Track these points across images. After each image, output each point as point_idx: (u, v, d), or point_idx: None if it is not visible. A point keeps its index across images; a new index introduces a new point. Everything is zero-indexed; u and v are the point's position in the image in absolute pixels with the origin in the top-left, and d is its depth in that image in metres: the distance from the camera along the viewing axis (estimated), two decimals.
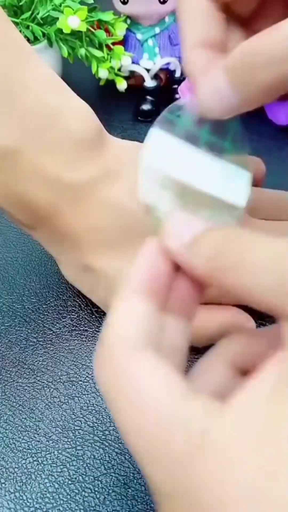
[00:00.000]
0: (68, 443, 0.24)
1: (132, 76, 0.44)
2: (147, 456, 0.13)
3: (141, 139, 0.28)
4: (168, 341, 0.17)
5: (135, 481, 0.23)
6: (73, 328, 0.28)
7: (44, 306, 0.30)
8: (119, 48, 0.41)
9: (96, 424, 0.25)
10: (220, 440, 0.12)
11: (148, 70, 0.43)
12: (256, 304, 0.14)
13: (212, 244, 0.16)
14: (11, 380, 0.26)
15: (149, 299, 0.16)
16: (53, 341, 0.28)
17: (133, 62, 0.43)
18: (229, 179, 0.21)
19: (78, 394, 0.26)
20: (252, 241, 0.15)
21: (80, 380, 0.26)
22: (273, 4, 0.22)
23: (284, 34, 0.17)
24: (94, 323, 0.29)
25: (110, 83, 0.43)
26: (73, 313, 0.29)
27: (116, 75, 0.42)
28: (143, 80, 0.43)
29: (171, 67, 0.43)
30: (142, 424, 0.13)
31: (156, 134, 0.20)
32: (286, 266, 0.13)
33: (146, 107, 0.43)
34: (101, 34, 0.40)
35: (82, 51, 0.40)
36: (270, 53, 0.18)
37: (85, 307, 0.29)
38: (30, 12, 0.40)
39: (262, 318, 0.28)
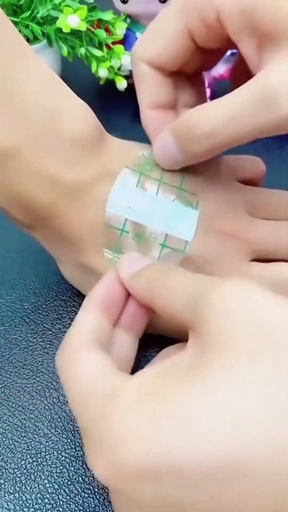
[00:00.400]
0: (68, 444, 0.24)
1: (132, 76, 0.44)
2: (80, 407, 0.18)
3: (141, 139, 0.28)
4: (117, 350, 0.22)
5: None
6: None
7: (44, 306, 0.30)
8: (119, 48, 0.41)
9: None
10: (124, 394, 0.17)
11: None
12: (176, 320, 0.19)
13: (147, 276, 0.21)
14: (11, 380, 0.26)
15: (102, 313, 0.21)
16: (53, 341, 0.28)
17: None
18: (178, 218, 0.25)
19: None
20: (174, 274, 0.20)
21: None
22: (214, 59, 0.27)
23: (209, 115, 0.22)
24: None
25: (110, 83, 0.43)
26: (73, 313, 0.29)
27: (116, 74, 0.42)
28: None
29: None
30: (80, 391, 0.18)
31: (119, 182, 0.25)
32: (192, 293, 0.18)
33: None
34: (101, 33, 0.40)
35: (82, 51, 0.40)
36: (201, 129, 0.22)
37: None
38: (29, 12, 0.40)
39: None
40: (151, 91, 0.26)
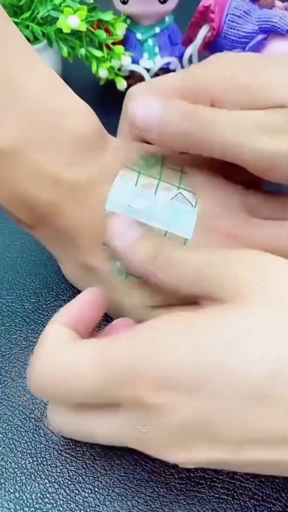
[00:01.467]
0: (68, 443, 0.24)
1: (132, 76, 0.44)
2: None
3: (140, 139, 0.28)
4: None
5: (135, 481, 0.23)
6: None
7: (44, 306, 0.30)
8: (119, 48, 0.41)
9: None
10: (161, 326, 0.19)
11: (148, 70, 0.43)
12: (183, 292, 0.21)
13: (150, 246, 0.22)
14: (11, 380, 0.26)
15: (67, 327, 0.21)
16: None
17: (133, 62, 0.43)
18: (177, 216, 0.25)
19: None
20: (178, 250, 0.21)
21: None
22: None
23: None
24: None
25: (110, 83, 0.43)
26: None
27: (116, 74, 0.42)
28: (143, 80, 0.43)
29: (171, 67, 0.43)
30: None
31: (118, 181, 0.25)
32: (202, 266, 0.20)
33: None
34: (101, 34, 0.40)
35: (82, 51, 0.40)
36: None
37: None
38: (30, 12, 0.40)
39: None
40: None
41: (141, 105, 0.24)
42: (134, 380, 0.18)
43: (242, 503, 0.22)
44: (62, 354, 0.19)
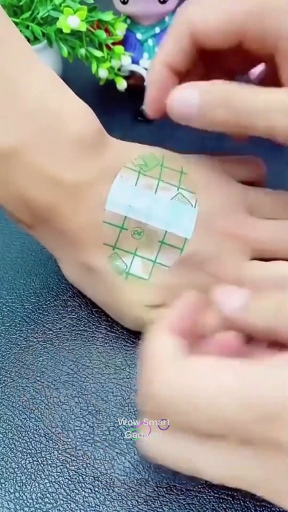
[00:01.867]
0: (68, 443, 0.24)
1: (132, 76, 0.44)
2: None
3: (140, 139, 0.28)
4: None
5: (135, 481, 0.23)
6: (73, 328, 0.28)
7: (44, 306, 0.30)
8: (119, 48, 0.41)
9: (96, 424, 0.25)
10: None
11: (148, 70, 0.42)
12: None
13: (267, 306, 0.19)
14: (11, 380, 0.26)
15: (178, 337, 0.19)
16: (53, 341, 0.28)
17: (133, 62, 0.42)
18: (177, 215, 0.25)
19: (78, 394, 0.26)
20: None
21: (80, 380, 0.26)
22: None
23: (249, 98, 0.23)
24: (94, 323, 0.29)
25: (110, 83, 0.43)
26: (73, 313, 0.29)
27: (116, 75, 0.42)
28: (143, 80, 0.43)
29: None
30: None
31: (119, 181, 0.25)
32: None
33: None
34: (101, 34, 0.40)
35: (82, 51, 0.40)
36: (238, 104, 0.23)
37: (85, 307, 0.29)
38: (30, 12, 0.40)
39: None
40: (171, 55, 0.26)
41: (179, 95, 0.24)
42: (282, 419, 0.16)
43: (242, 503, 0.22)
44: (187, 374, 0.17)
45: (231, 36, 0.24)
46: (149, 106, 0.27)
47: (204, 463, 0.17)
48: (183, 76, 0.26)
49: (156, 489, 0.22)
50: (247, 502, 0.22)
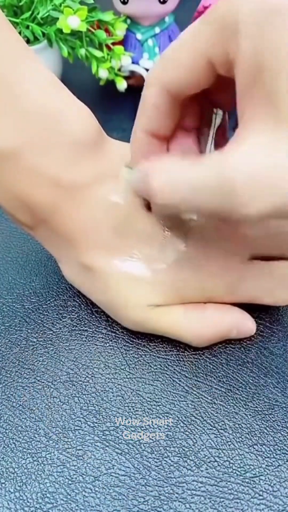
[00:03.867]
0: (68, 443, 0.24)
1: (132, 76, 0.44)
2: None
3: None
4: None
5: (135, 481, 0.23)
6: (73, 328, 0.28)
7: (44, 306, 0.30)
8: (119, 48, 0.41)
9: (96, 424, 0.25)
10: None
11: (148, 70, 0.43)
12: None
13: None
14: (11, 380, 0.26)
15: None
16: (53, 341, 0.28)
17: (133, 62, 0.43)
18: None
19: (78, 394, 0.26)
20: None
21: (80, 380, 0.26)
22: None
23: (172, 183, 0.20)
24: (94, 323, 0.29)
25: (110, 83, 0.43)
26: (73, 313, 0.29)
27: (116, 75, 0.42)
28: (143, 80, 0.43)
29: None
30: None
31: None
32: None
33: None
34: (101, 34, 0.40)
35: (82, 51, 0.40)
36: (161, 195, 0.20)
37: (85, 307, 0.29)
38: (30, 12, 0.40)
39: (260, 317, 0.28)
40: (152, 122, 0.23)
41: (161, 176, 0.20)
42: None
43: (243, 503, 0.22)
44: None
45: (202, 69, 0.21)
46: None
47: None
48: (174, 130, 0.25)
49: (156, 488, 0.22)
50: (247, 502, 0.22)
